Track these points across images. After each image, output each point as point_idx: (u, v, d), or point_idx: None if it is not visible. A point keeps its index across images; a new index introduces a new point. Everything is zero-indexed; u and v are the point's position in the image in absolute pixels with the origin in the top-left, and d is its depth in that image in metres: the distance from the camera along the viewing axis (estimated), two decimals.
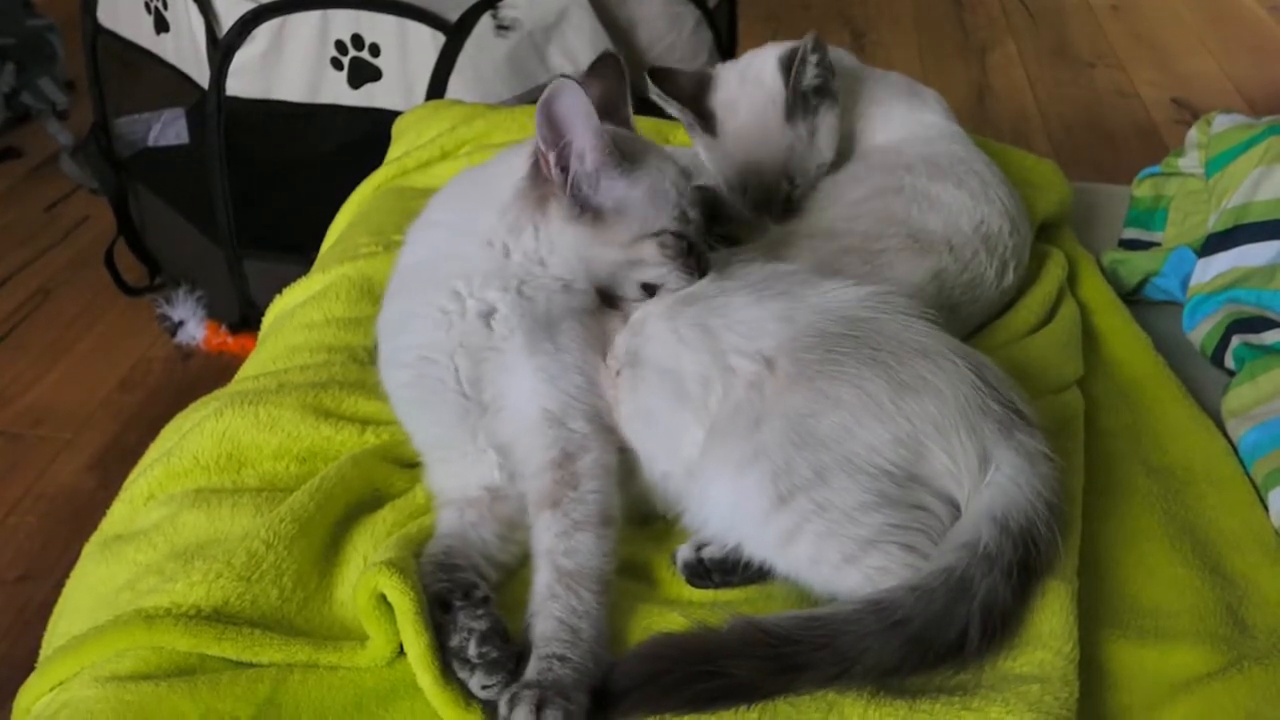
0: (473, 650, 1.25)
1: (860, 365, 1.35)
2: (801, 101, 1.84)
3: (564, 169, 1.40)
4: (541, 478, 1.37)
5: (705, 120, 1.89)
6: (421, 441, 1.50)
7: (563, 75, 1.40)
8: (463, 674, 1.24)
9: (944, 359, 1.38)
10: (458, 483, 1.45)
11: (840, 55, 1.96)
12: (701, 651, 1.22)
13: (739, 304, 1.42)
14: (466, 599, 1.30)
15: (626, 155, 1.41)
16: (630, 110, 1.54)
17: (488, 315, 1.41)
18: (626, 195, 1.42)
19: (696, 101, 1.89)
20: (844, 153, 1.92)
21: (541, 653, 1.24)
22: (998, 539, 1.29)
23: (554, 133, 1.37)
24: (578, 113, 1.36)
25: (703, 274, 1.46)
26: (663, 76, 1.90)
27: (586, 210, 1.41)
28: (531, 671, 1.23)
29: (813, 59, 1.83)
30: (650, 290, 1.46)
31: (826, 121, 1.87)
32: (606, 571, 1.32)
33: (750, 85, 1.88)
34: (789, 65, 1.84)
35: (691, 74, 1.94)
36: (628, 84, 1.55)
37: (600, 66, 1.56)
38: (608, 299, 1.47)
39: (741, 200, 1.90)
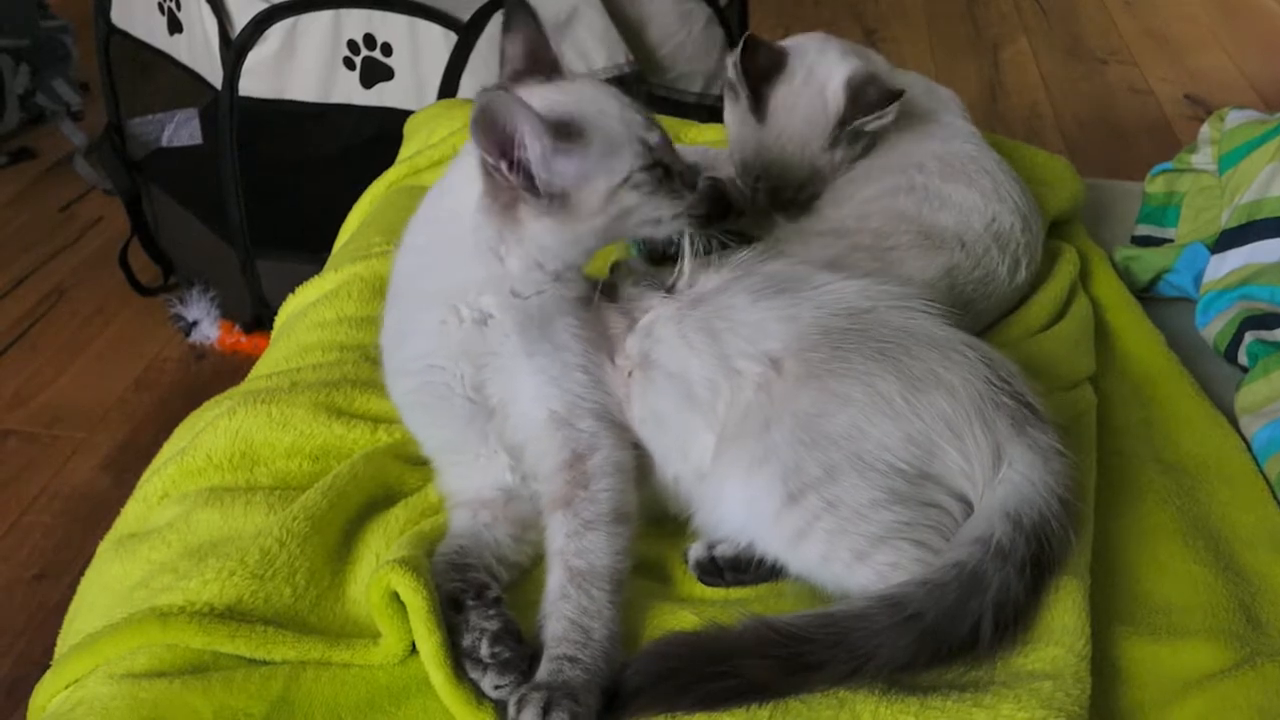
0: (485, 650, 1.25)
1: (868, 361, 1.34)
2: (850, 137, 1.85)
3: (516, 170, 1.34)
4: (553, 480, 1.37)
5: (758, 104, 1.89)
6: (432, 447, 1.50)
7: (485, 89, 1.35)
8: (475, 674, 1.25)
9: (954, 351, 1.38)
10: (470, 485, 1.45)
11: (858, 50, 1.96)
12: (715, 651, 1.22)
13: (742, 305, 1.41)
14: (479, 599, 1.30)
15: (566, 126, 1.35)
16: (555, 52, 1.48)
17: (483, 322, 1.40)
18: (582, 164, 1.35)
19: (760, 84, 1.88)
20: (876, 145, 1.92)
21: (552, 654, 1.24)
22: (1010, 534, 1.28)
23: (497, 140, 1.32)
24: (515, 114, 1.30)
25: (693, 186, 1.42)
26: (752, 48, 1.87)
27: (554, 198, 1.35)
28: (542, 673, 1.23)
29: (890, 115, 1.83)
30: (654, 226, 1.41)
31: (857, 149, 1.88)
32: (619, 570, 1.32)
33: (813, 95, 1.87)
34: (857, 97, 1.83)
35: (770, 53, 1.90)
36: (542, 27, 1.48)
37: (513, 19, 1.49)
38: (608, 292, 1.46)
39: (750, 185, 1.90)
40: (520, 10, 1.48)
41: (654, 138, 1.40)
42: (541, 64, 1.47)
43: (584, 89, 1.44)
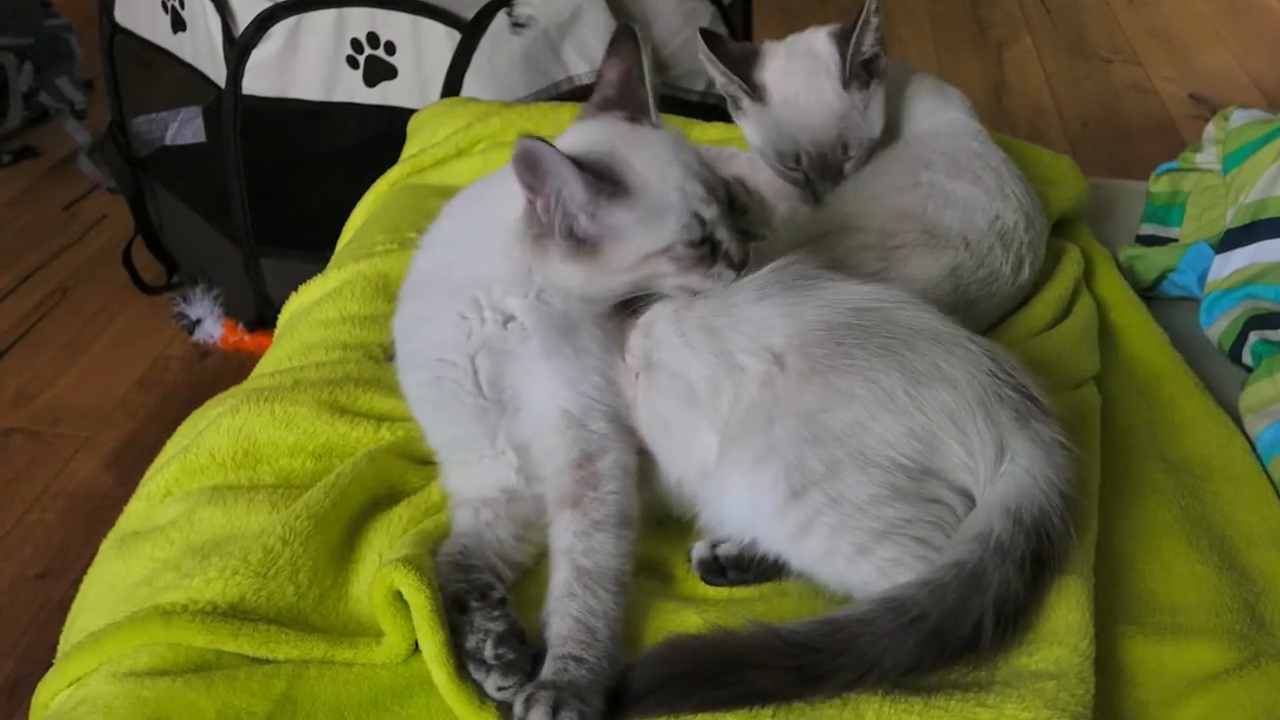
0: (489, 651, 1.25)
1: (872, 357, 1.34)
2: (857, 71, 1.84)
3: (551, 211, 1.35)
4: (561, 478, 1.37)
5: (752, 89, 1.89)
6: (438, 442, 1.50)
7: (527, 137, 1.32)
8: (478, 675, 1.24)
9: (958, 345, 1.38)
10: (474, 484, 1.45)
11: None
12: (721, 659, 1.21)
13: (744, 302, 1.41)
14: (483, 600, 1.30)
15: (616, 179, 1.36)
16: (648, 91, 1.47)
17: (504, 323, 1.41)
18: (623, 222, 1.35)
19: (743, 72, 1.89)
20: (884, 141, 1.92)
21: (557, 653, 1.24)
22: (1010, 531, 1.28)
23: (536, 182, 1.33)
24: (551, 163, 1.31)
25: (739, 267, 1.41)
26: (713, 40, 1.89)
27: (584, 245, 1.36)
28: (547, 672, 1.23)
29: (873, 23, 1.82)
30: (681, 292, 1.42)
31: (877, 97, 1.88)
32: (624, 572, 1.32)
33: (802, 56, 1.88)
34: (845, 38, 1.84)
35: (739, 45, 1.93)
36: (645, 61, 1.48)
37: (619, 44, 1.49)
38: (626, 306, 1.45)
39: (795, 171, 1.90)
40: (627, 38, 1.48)
41: (710, 213, 1.39)
42: (631, 99, 1.46)
43: (654, 146, 1.41)
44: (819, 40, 1.88)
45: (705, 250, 1.39)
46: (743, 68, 1.89)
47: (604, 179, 1.34)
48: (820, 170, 1.89)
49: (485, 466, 1.44)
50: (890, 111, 1.94)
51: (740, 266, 1.41)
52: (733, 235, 1.41)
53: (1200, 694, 1.30)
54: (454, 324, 1.42)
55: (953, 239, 1.77)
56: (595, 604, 1.27)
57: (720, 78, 1.90)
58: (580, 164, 1.32)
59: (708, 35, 1.89)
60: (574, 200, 1.33)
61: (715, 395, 1.39)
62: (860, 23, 1.82)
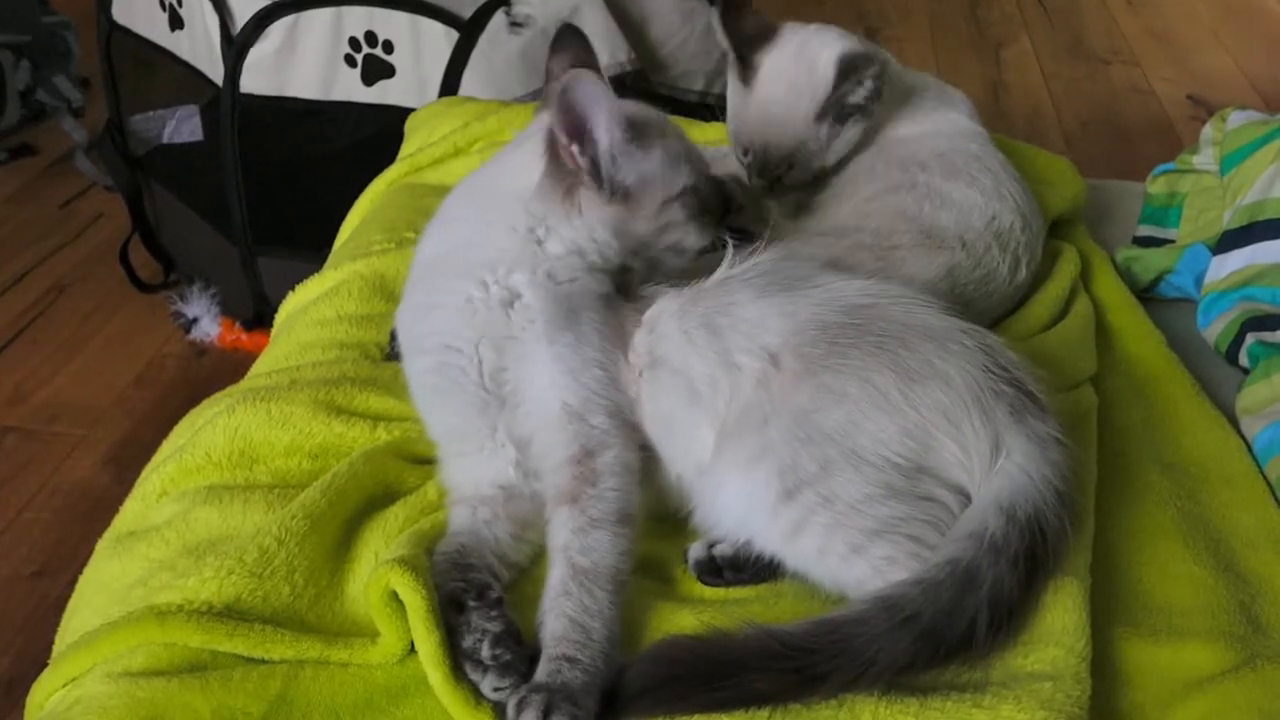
0: (486, 652, 1.24)
1: (866, 356, 1.34)
2: (836, 111, 1.84)
3: (586, 156, 1.41)
4: (560, 473, 1.36)
5: (746, 69, 1.89)
6: (438, 433, 1.50)
7: (572, 68, 1.41)
8: (475, 676, 1.24)
9: (952, 342, 1.37)
10: (472, 479, 1.44)
11: (865, 43, 1.95)
12: (718, 661, 1.21)
13: (743, 300, 1.41)
14: (480, 600, 1.30)
15: (639, 127, 1.43)
16: (604, 78, 1.53)
17: (510, 302, 1.41)
18: (646, 167, 1.44)
19: (749, 50, 1.89)
20: (863, 144, 1.92)
21: (552, 653, 1.23)
22: (1004, 528, 1.28)
23: (575, 122, 1.39)
24: (597, 99, 1.38)
25: (740, 232, 1.49)
26: (733, 10, 1.89)
27: (616, 191, 1.43)
28: (541, 673, 1.22)
29: (869, 84, 1.82)
30: (678, 253, 1.49)
31: (848, 135, 1.87)
32: (622, 571, 1.31)
33: (802, 65, 1.87)
34: (847, 71, 1.83)
35: (758, 21, 1.92)
36: (592, 49, 1.56)
37: (564, 41, 1.56)
38: (621, 289, 1.47)
39: (740, 157, 1.91)
40: (569, 33, 1.57)
41: (702, 164, 1.50)
42: None
43: (649, 110, 1.52)
44: (824, 57, 1.85)
45: (697, 203, 1.48)
46: (751, 45, 1.89)
47: (633, 123, 1.42)
48: (760, 169, 1.90)
49: (484, 459, 1.44)
50: (892, 110, 1.94)
51: (738, 229, 1.50)
52: (720, 197, 1.54)
53: (1196, 696, 1.30)
54: (460, 308, 1.42)
55: (949, 239, 1.77)
56: (591, 603, 1.27)
57: (725, 44, 1.90)
58: None
59: (729, 6, 1.89)
60: (605, 144, 1.41)
61: (714, 393, 1.39)
62: (853, 80, 1.81)
